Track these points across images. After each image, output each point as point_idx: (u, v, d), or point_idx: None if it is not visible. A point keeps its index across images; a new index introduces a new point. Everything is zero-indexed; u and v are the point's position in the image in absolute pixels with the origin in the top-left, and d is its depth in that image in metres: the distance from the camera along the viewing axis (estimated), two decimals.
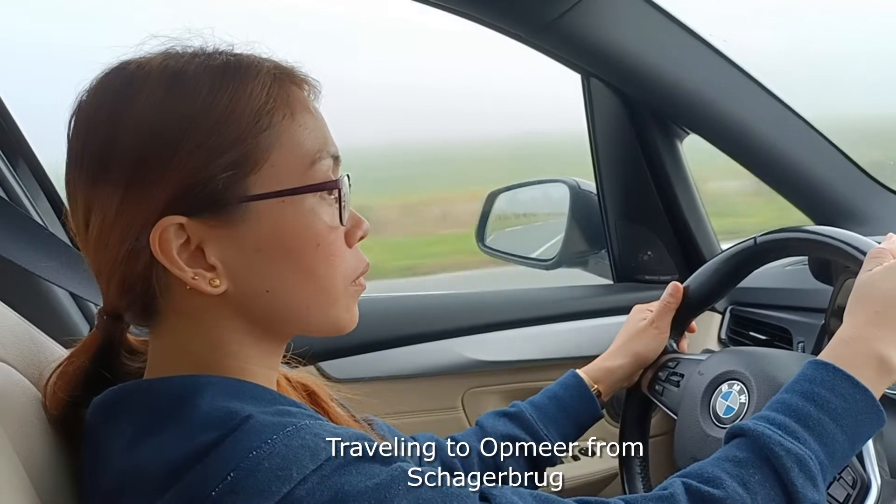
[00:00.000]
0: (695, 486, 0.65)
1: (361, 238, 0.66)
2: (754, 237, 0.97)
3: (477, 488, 0.59)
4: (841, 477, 0.76)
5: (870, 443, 0.77)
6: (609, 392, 1.00)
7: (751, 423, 0.69)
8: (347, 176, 0.65)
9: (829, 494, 0.76)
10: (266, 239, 0.60)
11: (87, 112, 0.61)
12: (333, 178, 0.63)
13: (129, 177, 0.58)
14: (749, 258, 0.98)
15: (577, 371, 1.00)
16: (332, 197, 0.63)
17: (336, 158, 0.64)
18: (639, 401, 1.06)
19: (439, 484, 0.57)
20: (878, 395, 0.70)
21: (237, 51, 0.63)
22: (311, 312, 0.64)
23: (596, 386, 0.99)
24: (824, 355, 0.73)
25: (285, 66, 0.63)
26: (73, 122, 0.62)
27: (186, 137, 0.57)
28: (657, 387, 1.02)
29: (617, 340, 1.05)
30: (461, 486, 0.58)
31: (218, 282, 0.60)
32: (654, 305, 1.06)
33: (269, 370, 0.66)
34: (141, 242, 0.58)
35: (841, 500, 0.75)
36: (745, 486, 0.64)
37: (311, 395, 0.76)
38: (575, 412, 0.96)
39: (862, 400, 0.69)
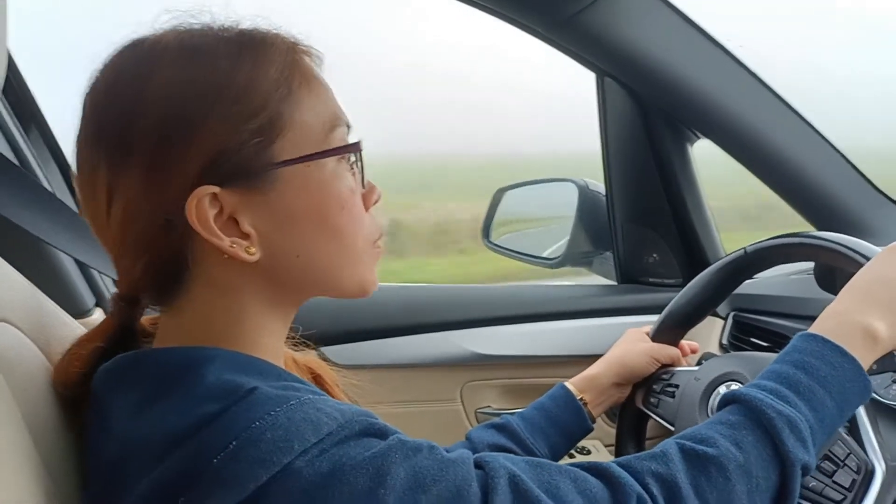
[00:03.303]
0: (689, 446, 0.66)
1: (375, 202, 0.69)
2: (745, 248, 0.97)
3: (471, 458, 0.60)
4: (845, 464, 0.77)
5: (870, 431, 0.79)
6: (597, 402, 1.01)
7: (743, 389, 0.70)
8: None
9: (834, 481, 0.77)
10: (295, 204, 0.61)
11: (104, 91, 0.61)
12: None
13: (156, 151, 0.58)
14: (740, 269, 0.99)
15: (565, 383, 1.01)
16: (350, 162, 0.65)
17: (349, 126, 0.66)
18: (633, 414, 1.06)
19: (435, 453, 0.58)
20: (865, 366, 0.71)
21: (244, 25, 0.63)
22: (340, 273, 0.66)
23: (582, 395, 0.99)
24: (813, 328, 0.75)
25: (293, 38, 0.65)
26: (87, 102, 0.62)
27: (212, 107, 0.58)
28: (652, 399, 1.03)
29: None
30: (456, 455, 0.59)
31: (254, 249, 0.61)
32: (649, 328, 1.07)
33: (278, 340, 0.67)
34: (174, 215, 0.59)
35: (847, 486, 0.77)
36: (737, 445, 0.65)
37: (317, 378, 0.77)
38: (562, 423, 0.97)
39: (850, 369, 0.70)
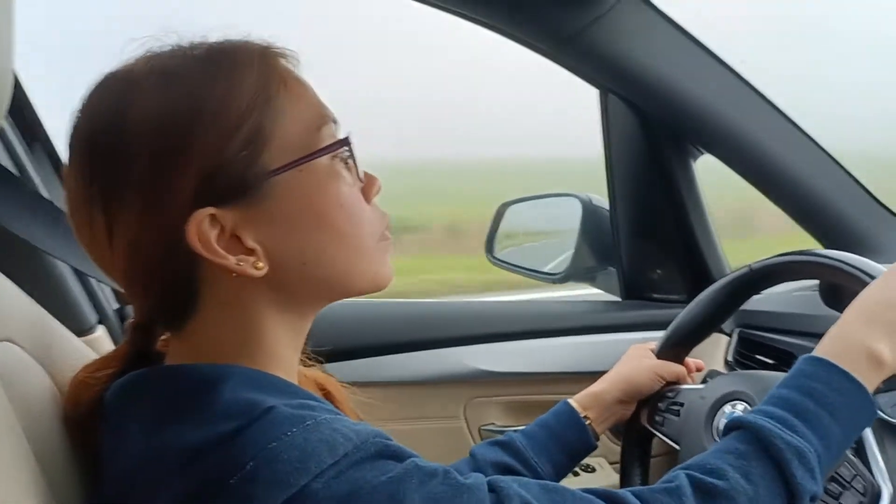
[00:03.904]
0: (699, 478, 0.65)
1: (376, 193, 0.68)
2: (749, 265, 0.96)
3: (485, 483, 0.60)
4: (851, 485, 0.76)
5: (877, 452, 0.78)
6: (601, 420, 0.99)
7: (751, 416, 0.69)
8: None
9: (840, 503, 0.76)
10: (294, 210, 0.61)
11: (86, 131, 0.61)
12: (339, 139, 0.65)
13: (147, 182, 0.58)
14: (744, 286, 0.98)
15: (569, 400, 1.00)
16: (343, 158, 0.64)
17: (335, 122, 0.65)
18: (638, 433, 1.05)
19: (450, 478, 0.58)
20: (870, 389, 0.71)
21: (213, 39, 0.63)
22: (350, 273, 0.65)
23: (586, 413, 0.98)
24: (818, 350, 0.74)
25: (264, 43, 0.64)
26: (72, 143, 0.62)
27: (194, 129, 0.58)
28: (657, 418, 1.02)
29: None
30: (472, 481, 0.59)
31: (261, 264, 0.60)
32: (654, 345, 1.06)
33: (294, 352, 0.67)
34: (176, 242, 0.58)
35: None
36: (747, 477, 0.65)
37: (327, 395, 0.77)
38: (566, 440, 0.96)
39: (857, 395, 0.70)
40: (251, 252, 0.60)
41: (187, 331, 0.63)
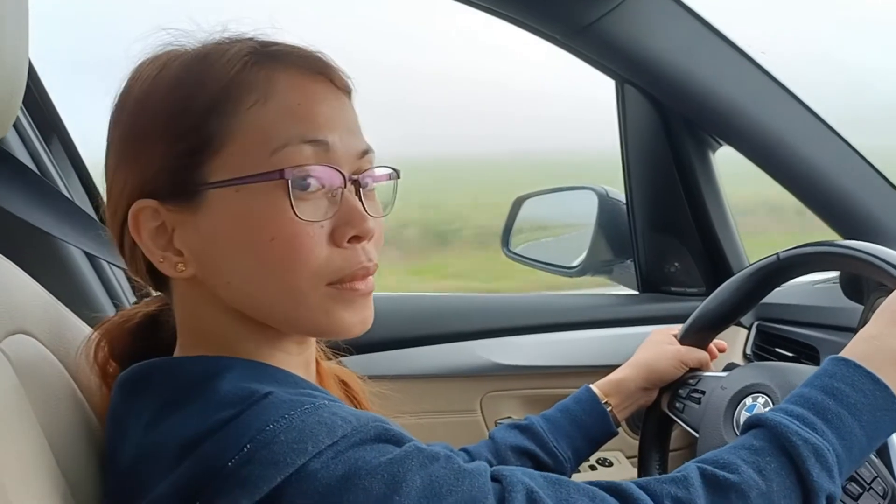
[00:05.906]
0: (710, 471, 0.64)
1: (357, 239, 0.61)
2: (777, 253, 0.95)
3: (487, 470, 0.59)
4: (871, 487, 0.75)
5: None
6: (623, 407, 0.99)
7: (769, 413, 0.68)
8: (342, 172, 0.60)
9: None
10: (220, 228, 0.60)
11: (114, 101, 0.65)
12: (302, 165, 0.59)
13: (117, 162, 0.63)
14: (772, 274, 0.97)
15: (590, 386, 0.99)
16: (308, 189, 0.59)
17: (321, 143, 0.60)
18: (658, 418, 1.04)
19: (452, 462, 0.57)
20: None
21: (227, 34, 0.64)
22: (277, 312, 0.61)
23: (607, 399, 0.98)
24: (845, 352, 0.72)
25: (280, 47, 0.62)
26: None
27: (156, 125, 0.60)
28: (677, 404, 1.01)
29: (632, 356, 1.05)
30: (473, 467, 0.58)
31: (183, 266, 0.62)
32: (677, 329, 1.05)
33: (284, 354, 0.65)
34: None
35: None
36: (760, 472, 0.63)
37: (346, 389, 0.78)
38: (586, 426, 0.95)
39: (882, 397, 0.68)
40: (179, 253, 0.62)
41: (174, 305, 0.67)
